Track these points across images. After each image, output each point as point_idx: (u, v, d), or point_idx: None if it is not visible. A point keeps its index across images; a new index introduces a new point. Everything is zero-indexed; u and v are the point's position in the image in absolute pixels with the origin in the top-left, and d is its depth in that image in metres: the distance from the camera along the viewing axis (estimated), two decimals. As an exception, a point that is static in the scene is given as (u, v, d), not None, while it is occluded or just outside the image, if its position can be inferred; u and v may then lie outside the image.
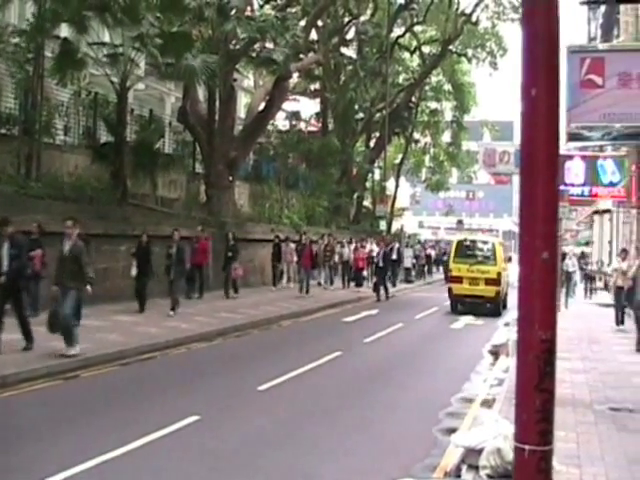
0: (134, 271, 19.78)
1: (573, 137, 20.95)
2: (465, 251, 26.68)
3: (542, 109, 2.19)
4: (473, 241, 27.97)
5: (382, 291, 29.83)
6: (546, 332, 2.24)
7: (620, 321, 21.13)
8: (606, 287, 33.19)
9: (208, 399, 11.20)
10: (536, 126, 2.19)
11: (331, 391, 12.33)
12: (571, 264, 33.78)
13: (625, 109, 12.54)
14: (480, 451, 7.38)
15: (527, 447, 2.21)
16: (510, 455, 7.33)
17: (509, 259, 32.46)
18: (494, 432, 7.51)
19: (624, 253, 22.08)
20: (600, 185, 33.90)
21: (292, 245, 30.21)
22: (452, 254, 27.29)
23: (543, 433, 2.23)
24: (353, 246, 34.18)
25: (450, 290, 26.61)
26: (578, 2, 13.65)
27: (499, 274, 25.79)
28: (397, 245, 37.83)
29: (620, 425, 9.81)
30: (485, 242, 27.90)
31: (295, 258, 30.08)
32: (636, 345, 16.75)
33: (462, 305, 26.11)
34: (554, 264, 2.22)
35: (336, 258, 33.23)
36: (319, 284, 31.55)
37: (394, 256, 34.78)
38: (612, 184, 33.48)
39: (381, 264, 30.20)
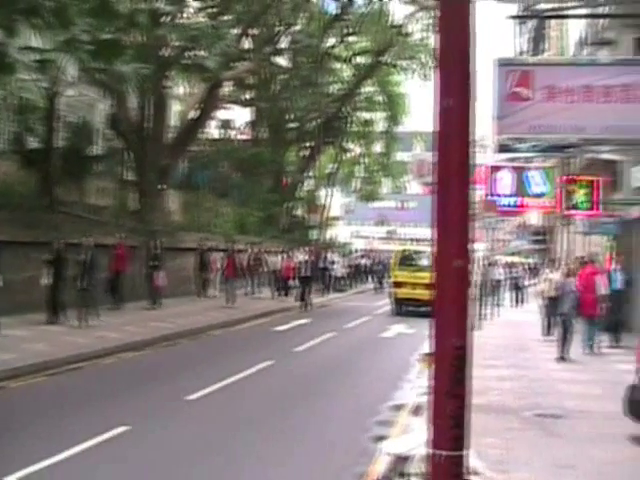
0: (46, 279, 18.83)
1: (503, 148, 21.32)
2: (406, 260, 30.24)
3: (455, 120, 2.23)
4: (413, 251, 32.44)
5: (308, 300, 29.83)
6: (459, 339, 2.27)
7: (548, 332, 21.24)
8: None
9: (138, 409, 11.06)
10: (449, 136, 2.23)
11: (261, 400, 12.29)
12: (497, 273, 34.30)
13: (552, 121, 12.79)
14: (410, 458, 7.43)
15: (440, 452, 2.24)
16: (439, 461, 7.41)
17: None
18: (424, 439, 7.55)
19: (555, 263, 22.75)
20: (528, 196, 34.58)
21: (216, 254, 29.91)
22: (394, 263, 30.71)
23: (456, 439, 2.27)
24: (283, 256, 34.13)
25: (394, 294, 29.49)
26: (505, 17, 13.91)
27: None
28: (329, 254, 37.96)
29: (546, 430, 10.02)
30: (423, 252, 30.78)
31: (219, 267, 29.74)
32: (558, 354, 16.96)
33: (405, 307, 28.81)
34: (466, 272, 2.25)
35: (265, 268, 33.08)
36: (246, 294, 31.33)
37: (321, 264, 34.89)
38: (539, 195, 34.18)
39: (306, 274, 30.26)
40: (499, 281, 34.42)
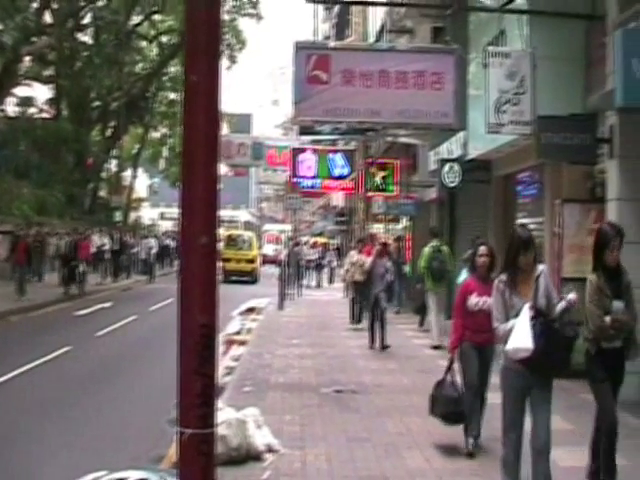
0: None
1: (304, 130, 21.68)
2: (231, 241, 40.32)
3: (202, 95, 2.22)
4: (236, 234, 43.83)
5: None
6: (205, 317, 2.27)
7: (357, 319, 19.53)
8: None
9: None
10: (196, 112, 2.22)
11: (59, 386, 11.94)
12: (309, 253, 34.88)
13: (348, 105, 13.06)
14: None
15: (188, 430, 2.24)
16: (234, 442, 7.48)
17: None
18: (219, 419, 7.58)
19: (360, 245, 20.16)
20: (331, 178, 35.33)
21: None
22: (224, 243, 38.53)
23: (204, 417, 2.27)
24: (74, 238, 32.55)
25: (223, 267, 35.91)
26: (305, 1, 14.09)
27: (254, 256, 40.24)
28: (150, 239, 37.48)
29: (343, 406, 10.29)
30: (245, 235, 43.60)
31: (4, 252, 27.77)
32: (369, 343, 15.85)
33: (232, 277, 37.15)
34: (214, 249, 2.26)
35: (51, 251, 31.50)
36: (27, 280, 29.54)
37: (116, 247, 34.22)
38: (342, 177, 35.01)
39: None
40: (310, 261, 35.04)
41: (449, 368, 8.30)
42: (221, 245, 37.89)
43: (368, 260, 17.21)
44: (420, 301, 18.98)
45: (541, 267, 6.33)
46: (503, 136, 13.16)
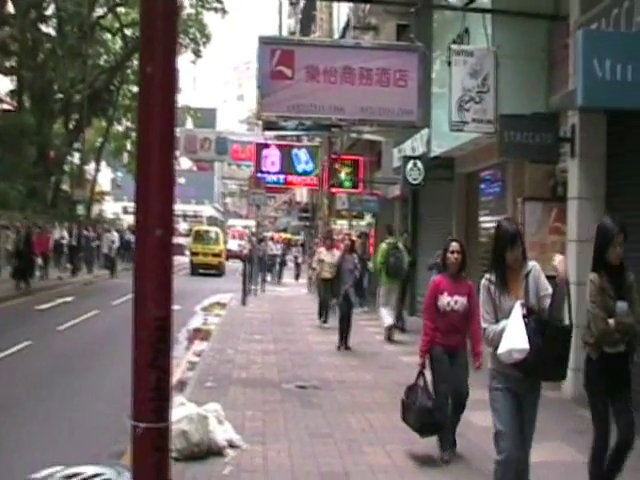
0: None
1: (268, 126, 21.60)
2: (199, 236, 42.69)
3: (157, 87, 2.21)
4: (204, 230, 46.15)
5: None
6: (160, 310, 2.27)
7: (325, 318, 19.07)
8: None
9: None
10: (151, 104, 2.21)
11: (19, 382, 11.80)
12: (275, 248, 34.80)
13: (311, 101, 13.07)
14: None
15: (142, 425, 2.23)
16: (195, 437, 7.46)
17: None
18: (180, 415, 7.56)
19: (329, 241, 19.32)
20: (295, 174, 35.36)
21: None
22: (192, 238, 42.85)
23: (158, 410, 2.26)
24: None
25: (191, 261, 41.04)
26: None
27: (221, 250, 42.32)
28: (113, 232, 37.13)
29: (305, 402, 10.30)
30: (212, 231, 45.87)
31: None
32: (339, 342, 15.32)
33: (200, 270, 39.91)
34: (169, 242, 2.25)
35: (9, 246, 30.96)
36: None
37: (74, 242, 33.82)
38: (306, 173, 35.05)
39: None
40: (274, 256, 34.96)
41: (420, 373, 7.77)
42: (190, 240, 43.88)
43: (336, 255, 17.29)
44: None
45: (531, 264, 5.81)
46: (466, 134, 13.26)
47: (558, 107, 11.68)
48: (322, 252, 18.86)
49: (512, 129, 11.48)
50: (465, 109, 12.33)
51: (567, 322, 5.61)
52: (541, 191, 12.93)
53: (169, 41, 2.28)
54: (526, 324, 5.37)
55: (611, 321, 6.00)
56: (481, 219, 16.32)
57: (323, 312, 19.19)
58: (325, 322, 18.84)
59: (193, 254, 41.07)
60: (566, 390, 10.53)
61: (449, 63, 12.70)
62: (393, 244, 17.10)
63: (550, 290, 5.69)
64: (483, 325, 5.75)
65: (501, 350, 5.43)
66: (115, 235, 38.38)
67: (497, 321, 5.62)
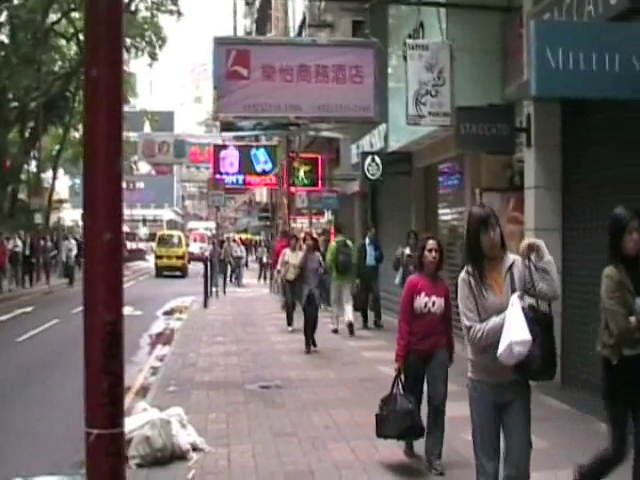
0: None
1: (226, 127, 21.48)
2: (163, 240, 45.04)
3: (103, 90, 2.15)
4: (167, 234, 48.72)
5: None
6: (110, 314, 2.21)
7: (290, 321, 17.59)
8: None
9: None
10: (97, 107, 2.15)
11: (-23, 393, 11.59)
12: (240, 250, 34.58)
13: (268, 100, 12.98)
14: (129, 441, 7.28)
15: (95, 431, 2.17)
16: (158, 442, 7.35)
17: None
18: (142, 421, 7.45)
19: (294, 241, 18.05)
20: (254, 174, 35.26)
21: None
22: (156, 242, 45.79)
23: (111, 417, 2.20)
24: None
25: (156, 264, 43.85)
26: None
27: (183, 252, 44.46)
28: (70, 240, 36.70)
29: (268, 401, 10.23)
30: (174, 235, 48.12)
31: None
32: (305, 348, 14.52)
33: (164, 272, 42.42)
34: (118, 245, 2.19)
35: None
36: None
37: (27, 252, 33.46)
38: (265, 172, 34.97)
39: None
40: (239, 258, 34.70)
41: (396, 381, 7.29)
42: (154, 244, 47.59)
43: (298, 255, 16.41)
44: (360, 298, 18.30)
45: (512, 256, 5.10)
46: (423, 128, 13.28)
47: (513, 98, 11.72)
48: (286, 253, 17.56)
49: (468, 121, 11.48)
50: (422, 103, 12.32)
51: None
52: (499, 182, 12.97)
53: (114, 44, 2.22)
54: (525, 315, 4.76)
55: (632, 319, 5.38)
56: (440, 212, 16.35)
57: (291, 316, 17.74)
58: (289, 325, 17.56)
59: (158, 257, 43.75)
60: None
61: (405, 58, 12.69)
62: (342, 242, 17.49)
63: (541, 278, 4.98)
64: (466, 323, 5.01)
65: (501, 349, 4.70)
66: (73, 243, 37.65)
67: (481, 320, 4.94)
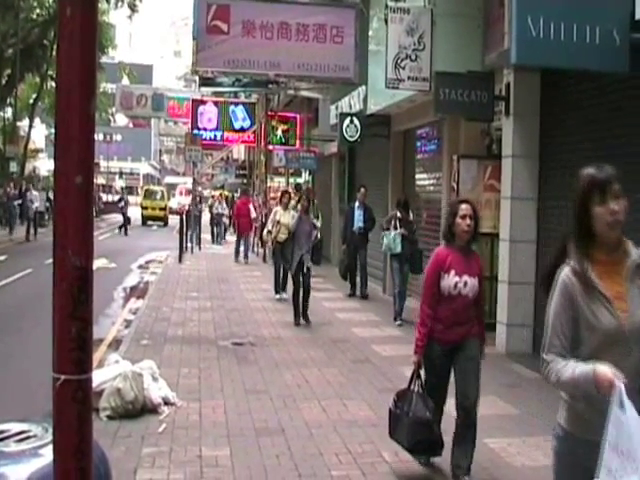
0: None
1: (205, 82, 21.37)
2: (148, 193, 51.59)
3: (77, 29, 2.14)
4: (152, 190, 53.42)
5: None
6: (80, 259, 2.22)
7: (282, 287, 16.28)
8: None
9: None
10: (71, 46, 2.14)
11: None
12: (221, 207, 34.48)
13: (247, 56, 12.98)
14: (100, 393, 7.36)
15: (62, 376, 2.21)
16: (130, 395, 7.43)
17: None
18: (114, 373, 7.53)
19: (286, 199, 16.31)
20: (232, 130, 35.07)
21: None
22: (142, 195, 52.95)
23: (78, 362, 2.22)
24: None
25: (142, 214, 49.38)
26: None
27: (166, 205, 51.39)
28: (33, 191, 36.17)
29: (241, 358, 10.33)
30: (158, 190, 53.60)
31: None
32: (294, 319, 13.35)
33: (148, 221, 48.95)
34: (89, 189, 2.21)
35: None
36: None
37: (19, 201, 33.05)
38: (243, 129, 34.79)
39: None
40: (221, 215, 34.56)
41: (414, 375, 6.08)
42: (140, 197, 54.25)
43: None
44: (346, 264, 16.87)
45: (638, 251, 3.21)
46: (402, 91, 13.29)
47: (493, 65, 11.75)
48: (279, 212, 15.79)
49: (447, 86, 11.52)
50: (401, 67, 12.35)
51: None
52: (476, 149, 13.04)
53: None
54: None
55: None
56: (417, 176, 16.41)
57: (279, 282, 16.29)
58: (278, 293, 16.23)
59: (143, 208, 50.19)
60: (500, 345, 10.76)
61: (386, 21, 12.68)
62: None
63: None
64: (547, 357, 3.19)
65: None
66: (35, 194, 36.72)
67: (572, 350, 3.16)
